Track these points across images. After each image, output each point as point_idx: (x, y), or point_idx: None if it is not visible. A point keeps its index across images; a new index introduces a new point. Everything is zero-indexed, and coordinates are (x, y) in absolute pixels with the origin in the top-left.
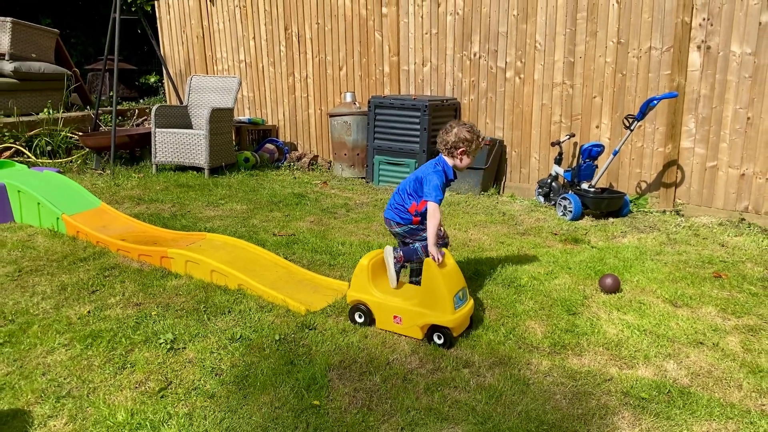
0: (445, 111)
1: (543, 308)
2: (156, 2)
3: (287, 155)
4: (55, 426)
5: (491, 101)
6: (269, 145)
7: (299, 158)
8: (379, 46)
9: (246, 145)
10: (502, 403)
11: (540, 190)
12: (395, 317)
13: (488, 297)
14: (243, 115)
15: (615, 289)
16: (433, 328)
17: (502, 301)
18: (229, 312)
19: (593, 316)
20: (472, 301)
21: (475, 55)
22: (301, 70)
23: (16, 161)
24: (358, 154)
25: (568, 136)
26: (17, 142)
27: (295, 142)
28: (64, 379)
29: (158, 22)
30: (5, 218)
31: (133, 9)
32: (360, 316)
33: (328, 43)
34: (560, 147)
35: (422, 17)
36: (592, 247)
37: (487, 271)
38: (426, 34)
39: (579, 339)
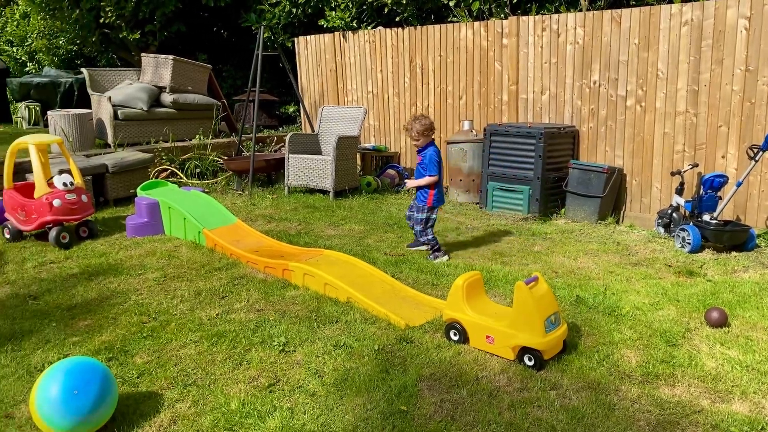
0: (562, 138)
1: (641, 338)
2: (296, 39)
3: (407, 181)
4: (180, 408)
5: (611, 129)
6: (390, 171)
7: None
8: (499, 76)
9: (369, 171)
10: (583, 424)
11: (660, 220)
12: (488, 337)
13: (586, 324)
14: (368, 143)
15: (722, 323)
16: (524, 350)
17: (601, 329)
18: (337, 322)
19: (693, 349)
20: (565, 326)
21: (594, 83)
22: (423, 99)
23: (171, 181)
24: (473, 180)
25: (690, 166)
26: (172, 165)
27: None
28: (192, 370)
29: (297, 57)
30: (157, 230)
31: (275, 46)
32: (455, 334)
33: (450, 74)
34: (682, 177)
35: (542, 47)
36: (708, 281)
37: (589, 298)
38: (545, 63)
39: (674, 370)
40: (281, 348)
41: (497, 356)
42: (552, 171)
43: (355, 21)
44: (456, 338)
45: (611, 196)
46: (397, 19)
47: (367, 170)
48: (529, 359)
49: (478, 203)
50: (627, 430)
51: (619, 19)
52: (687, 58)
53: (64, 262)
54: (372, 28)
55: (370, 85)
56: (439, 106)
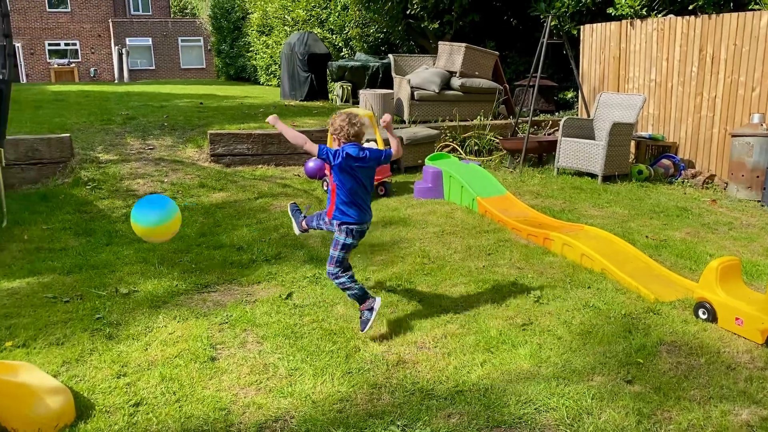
0: None
1: None
2: (581, 27)
3: (682, 172)
4: (450, 328)
5: None
6: (665, 161)
7: (694, 176)
8: None
9: (642, 159)
10: None
11: None
12: (737, 319)
13: None
14: (645, 131)
15: None
16: None
17: None
18: (589, 287)
19: None
20: None
21: None
22: (711, 90)
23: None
24: (757, 177)
25: None
26: (454, 141)
27: (693, 160)
28: (460, 303)
29: (581, 44)
30: (438, 195)
31: (560, 34)
32: (704, 313)
33: (743, 64)
34: None
35: None
36: None
37: None
38: None
39: None
40: (536, 299)
41: (744, 338)
42: None
43: (645, 9)
44: (704, 317)
45: None
46: (691, 6)
47: (640, 158)
48: None
49: (759, 201)
50: None
51: None
52: None
53: None
54: (662, 16)
55: (653, 73)
56: (728, 97)
